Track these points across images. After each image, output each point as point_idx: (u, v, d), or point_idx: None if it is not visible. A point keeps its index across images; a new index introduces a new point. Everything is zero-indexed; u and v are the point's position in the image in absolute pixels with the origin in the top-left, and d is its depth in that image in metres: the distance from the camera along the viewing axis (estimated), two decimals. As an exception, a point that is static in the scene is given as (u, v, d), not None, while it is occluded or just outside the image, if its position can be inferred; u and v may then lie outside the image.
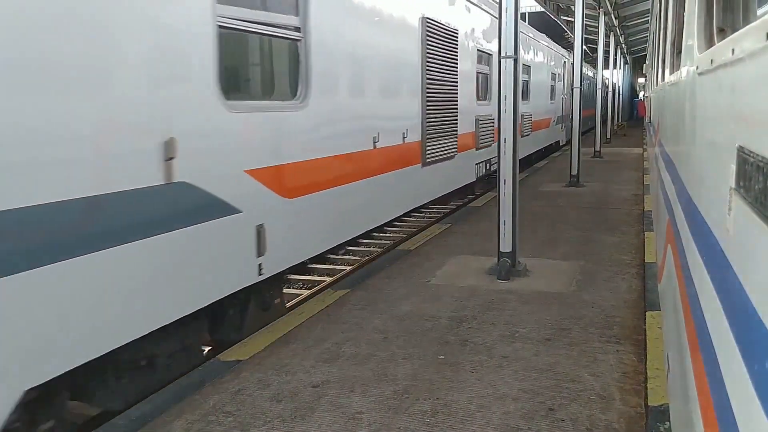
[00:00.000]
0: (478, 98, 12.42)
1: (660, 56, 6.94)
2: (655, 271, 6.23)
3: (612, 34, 26.41)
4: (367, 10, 7.34)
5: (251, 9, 5.16)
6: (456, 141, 10.92)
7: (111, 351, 3.82)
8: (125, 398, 4.32)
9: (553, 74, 23.05)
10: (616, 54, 31.13)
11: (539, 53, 19.90)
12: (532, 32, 19.12)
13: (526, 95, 16.95)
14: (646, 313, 5.53)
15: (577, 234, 9.05)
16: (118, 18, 3.79)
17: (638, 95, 50.71)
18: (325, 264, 8.92)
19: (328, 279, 8.18)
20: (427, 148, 9.45)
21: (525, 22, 19.39)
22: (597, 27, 21.62)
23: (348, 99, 6.91)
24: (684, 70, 3.02)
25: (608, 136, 28.33)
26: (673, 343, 2.99)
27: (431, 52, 9.45)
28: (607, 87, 33.40)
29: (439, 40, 9.80)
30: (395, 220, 9.64)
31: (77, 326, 3.60)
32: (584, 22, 15.28)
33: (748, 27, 1.27)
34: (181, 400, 4.17)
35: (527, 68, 17.24)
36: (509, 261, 6.82)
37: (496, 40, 6.96)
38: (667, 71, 5.32)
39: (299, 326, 5.47)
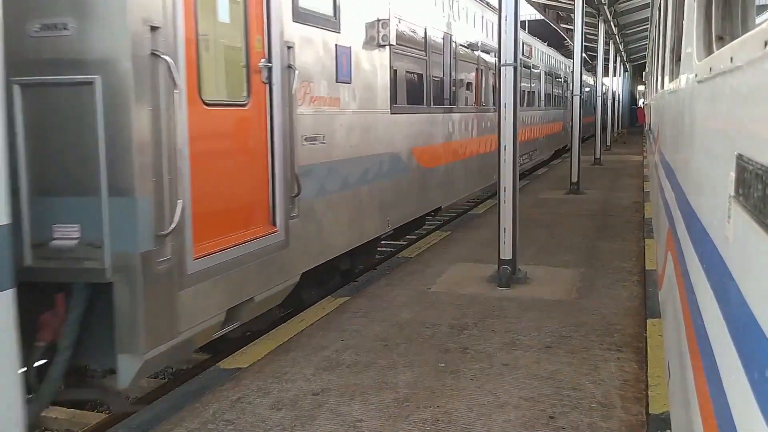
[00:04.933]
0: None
1: (659, 64, 6.96)
2: (656, 278, 6.23)
3: (612, 41, 26.49)
4: None
5: None
6: None
7: None
8: None
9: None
10: (615, 61, 31.22)
11: None
12: None
13: None
14: (647, 320, 5.52)
15: (577, 241, 9.05)
16: None
17: (638, 102, 50.79)
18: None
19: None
20: None
21: (524, 30, 19.09)
22: (597, 35, 21.68)
23: None
24: (683, 78, 3.03)
25: (608, 144, 28.37)
26: (673, 350, 2.98)
27: None
28: (606, 94, 33.41)
29: None
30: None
31: None
32: (584, 30, 15.32)
33: (746, 35, 1.28)
34: (181, 408, 4.16)
35: None
36: (510, 268, 6.82)
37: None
38: (666, 79, 5.34)
39: (299, 334, 5.47)
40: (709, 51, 2.16)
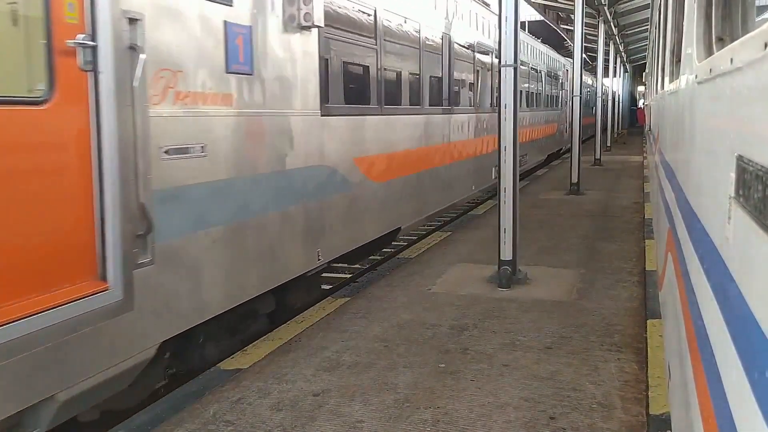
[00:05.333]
0: None
1: (659, 65, 6.96)
2: (656, 278, 6.23)
3: (612, 42, 26.49)
4: None
5: None
6: None
7: None
8: None
9: None
10: (615, 62, 31.23)
11: None
12: None
13: None
14: (647, 321, 5.52)
15: (577, 242, 9.05)
16: None
17: (638, 103, 50.82)
18: (326, 272, 8.90)
19: (328, 287, 8.17)
20: None
21: (524, 31, 18.97)
22: (597, 35, 21.69)
23: None
24: (683, 79, 3.03)
25: (608, 145, 28.39)
26: (674, 351, 2.98)
27: None
28: (606, 95, 33.43)
29: None
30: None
31: None
32: (584, 31, 15.32)
33: (746, 36, 1.28)
34: (182, 409, 4.17)
35: None
36: (510, 269, 6.82)
37: None
38: (666, 80, 5.34)
39: (299, 335, 5.47)
40: (709, 52, 2.16)
